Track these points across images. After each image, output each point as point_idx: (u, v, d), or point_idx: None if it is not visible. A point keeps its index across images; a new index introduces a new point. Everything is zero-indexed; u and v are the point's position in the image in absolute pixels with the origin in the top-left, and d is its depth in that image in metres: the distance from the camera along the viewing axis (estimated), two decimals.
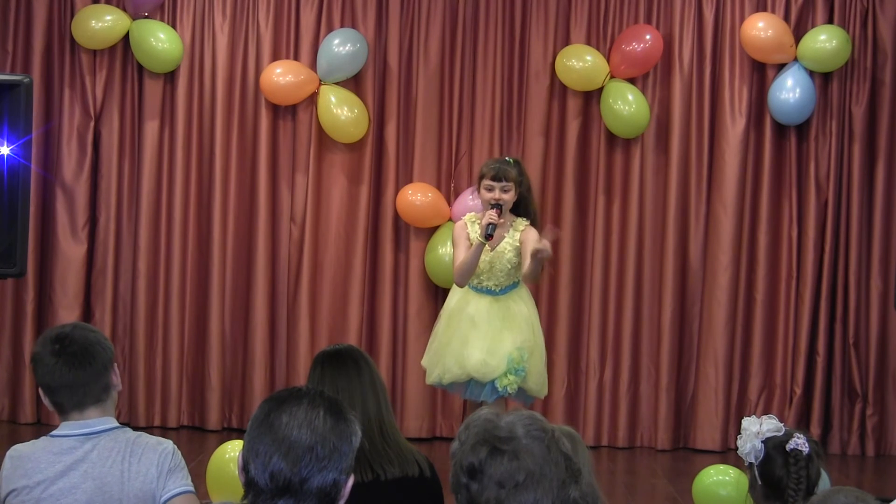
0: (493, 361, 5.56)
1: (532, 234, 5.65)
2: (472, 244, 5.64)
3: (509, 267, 5.67)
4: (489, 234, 5.53)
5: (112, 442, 3.12)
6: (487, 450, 2.13)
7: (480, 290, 5.71)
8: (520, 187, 5.67)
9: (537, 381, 5.71)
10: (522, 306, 5.74)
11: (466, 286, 5.72)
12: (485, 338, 5.62)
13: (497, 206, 5.57)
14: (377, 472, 3.31)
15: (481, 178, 5.68)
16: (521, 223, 5.69)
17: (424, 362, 5.94)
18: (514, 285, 5.74)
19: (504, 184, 5.60)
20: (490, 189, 5.62)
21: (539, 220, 5.86)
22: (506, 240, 5.65)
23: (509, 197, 5.62)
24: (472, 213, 5.83)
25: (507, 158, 5.79)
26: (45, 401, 3.18)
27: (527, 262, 5.55)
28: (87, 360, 3.13)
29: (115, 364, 3.21)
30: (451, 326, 5.73)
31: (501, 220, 5.59)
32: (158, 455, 3.12)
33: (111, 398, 3.20)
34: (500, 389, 5.57)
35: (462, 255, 5.67)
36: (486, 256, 5.64)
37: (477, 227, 5.66)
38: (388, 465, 3.33)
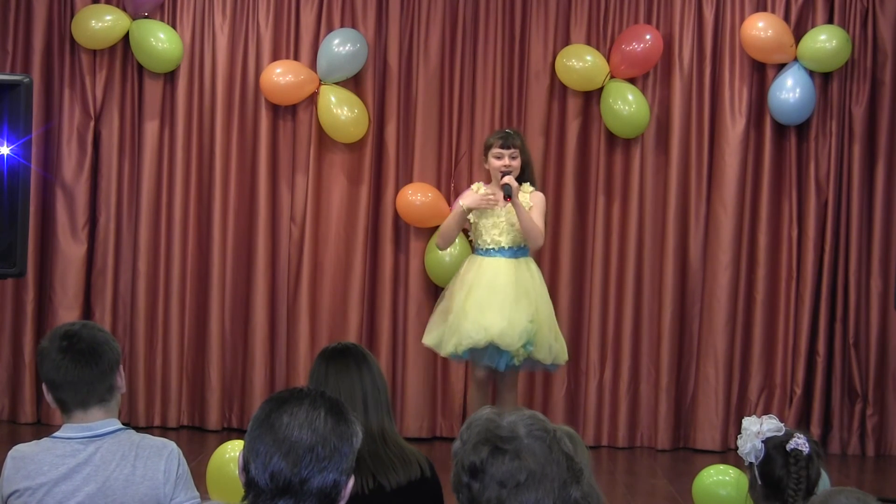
0: (513, 332, 5.96)
1: (538, 197, 6.18)
2: (464, 210, 6.15)
3: None
4: (508, 195, 6.03)
5: (116, 445, 3.12)
6: (489, 449, 2.13)
7: (493, 254, 6.15)
8: (523, 155, 6.18)
9: (552, 351, 6.11)
10: (530, 277, 6.16)
11: (479, 256, 6.17)
12: (503, 306, 6.01)
13: (507, 172, 6.08)
14: (380, 481, 3.27)
15: (489, 147, 6.19)
16: (528, 187, 6.19)
17: (432, 339, 6.22)
18: (525, 252, 6.19)
19: (512, 151, 6.13)
20: (500, 157, 6.14)
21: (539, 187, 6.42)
22: (520, 197, 6.12)
23: (517, 164, 6.15)
24: (478, 183, 6.34)
25: (508, 130, 6.35)
26: (49, 397, 3.18)
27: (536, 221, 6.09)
28: (94, 359, 3.13)
29: (121, 366, 3.22)
30: (469, 296, 6.07)
31: (517, 186, 6.09)
32: (165, 460, 3.12)
33: (115, 399, 3.20)
34: (509, 362, 6.02)
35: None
36: (503, 213, 6.11)
37: (483, 189, 6.20)
38: (392, 474, 3.28)
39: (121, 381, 3.20)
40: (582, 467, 2.16)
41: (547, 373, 7.28)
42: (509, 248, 6.13)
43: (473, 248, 6.30)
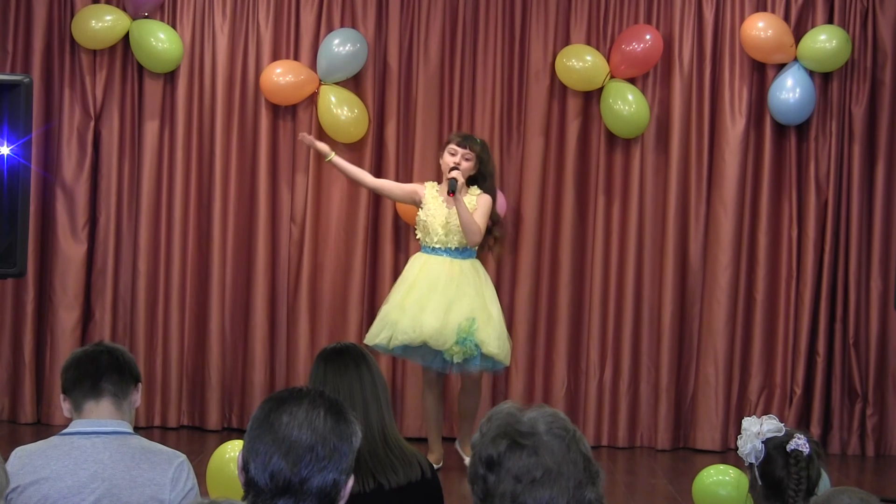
0: (446, 332, 6.05)
1: (484, 198, 6.25)
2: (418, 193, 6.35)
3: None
4: (452, 190, 6.06)
5: (125, 447, 3.13)
6: (507, 443, 2.14)
7: (438, 252, 6.25)
8: (479, 164, 6.23)
9: (500, 347, 6.17)
10: (474, 276, 6.26)
11: (424, 254, 6.29)
12: (440, 305, 6.10)
13: (455, 168, 6.15)
14: (380, 481, 3.27)
15: (447, 143, 6.32)
16: (476, 189, 6.29)
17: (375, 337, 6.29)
18: (472, 253, 6.30)
19: (466, 151, 6.21)
20: (453, 153, 6.26)
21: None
22: (465, 198, 6.20)
23: (467, 166, 6.22)
24: (432, 182, 6.45)
25: (471, 135, 6.51)
26: (65, 407, 3.22)
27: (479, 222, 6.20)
28: (115, 358, 3.23)
29: (140, 387, 3.27)
30: (410, 292, 6.18)
31: (461, 182, 6.16)
32: (175, 468, 3.15)
33: (128, 407, 3.23)
34: (446, 359, 6.12)
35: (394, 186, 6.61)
36: (444, 214, 6.21)
37: (433, 189, 6.32)
38: (392, 474, 3.28)
39: (136, 395, 3.26)
40: (599, 469, 2.18)
41: (546, 372, 7.30)
42: (455, 248, 6.26)
43: (420, 246, 6.42)
